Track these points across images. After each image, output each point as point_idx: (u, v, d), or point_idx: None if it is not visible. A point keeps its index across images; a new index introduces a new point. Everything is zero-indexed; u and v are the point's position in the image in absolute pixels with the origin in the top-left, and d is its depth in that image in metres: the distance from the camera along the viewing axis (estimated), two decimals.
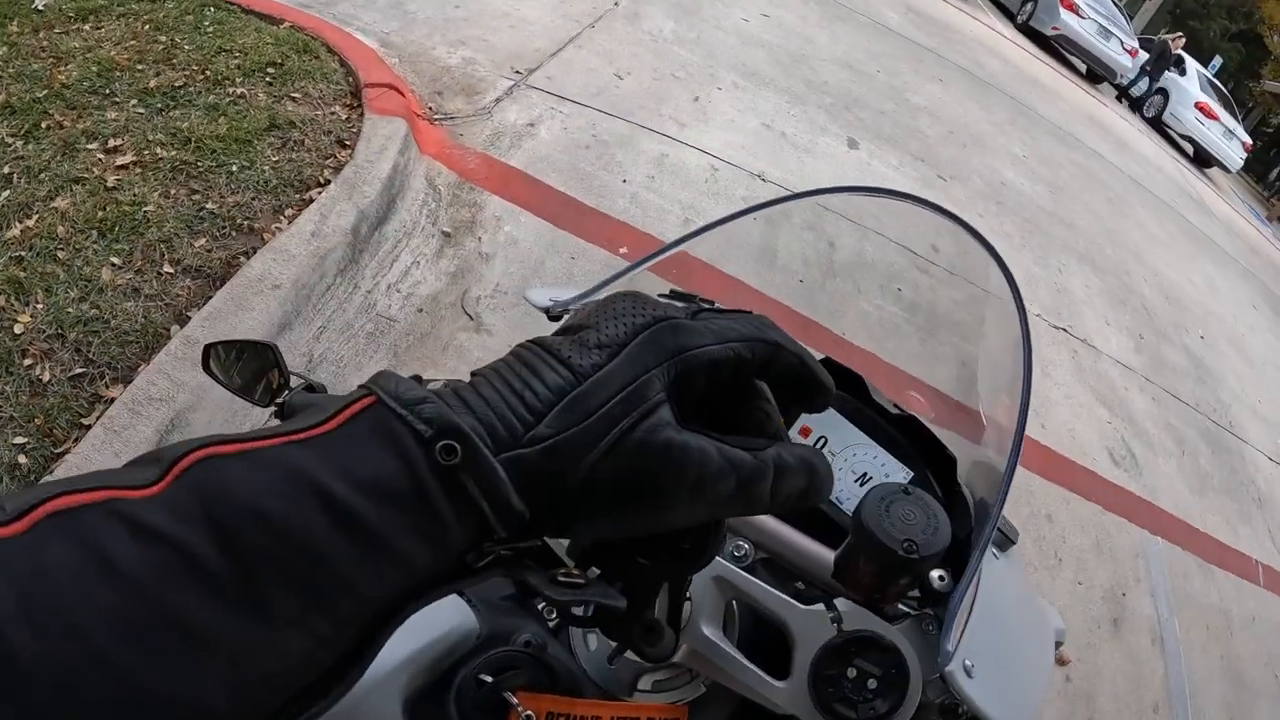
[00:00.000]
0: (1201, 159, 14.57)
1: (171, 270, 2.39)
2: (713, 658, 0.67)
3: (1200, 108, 13.94)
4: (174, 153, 2.79)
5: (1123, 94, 15.01)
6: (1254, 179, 23.72)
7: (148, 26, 3.69)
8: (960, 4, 11.68)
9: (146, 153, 2.75)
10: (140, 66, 3.42)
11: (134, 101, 3.14)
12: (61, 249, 2.33)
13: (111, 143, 2.82)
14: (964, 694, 0.61)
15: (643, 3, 5.94)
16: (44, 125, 2.83)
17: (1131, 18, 17.15)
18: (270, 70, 3.42)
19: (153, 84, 3.30)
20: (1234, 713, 3.33)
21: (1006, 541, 0.83)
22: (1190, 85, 14.39)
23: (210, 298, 2.35)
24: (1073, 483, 3.47)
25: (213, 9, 3.88)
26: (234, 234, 2.59)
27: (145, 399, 2.02)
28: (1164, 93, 14.56)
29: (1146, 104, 14.83)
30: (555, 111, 4.09)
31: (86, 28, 3.69)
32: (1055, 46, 13.62)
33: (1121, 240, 6.72)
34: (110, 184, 2.59)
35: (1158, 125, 14.56)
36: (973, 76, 8.11)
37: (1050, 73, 11.73)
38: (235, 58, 3.52)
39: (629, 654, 0.69)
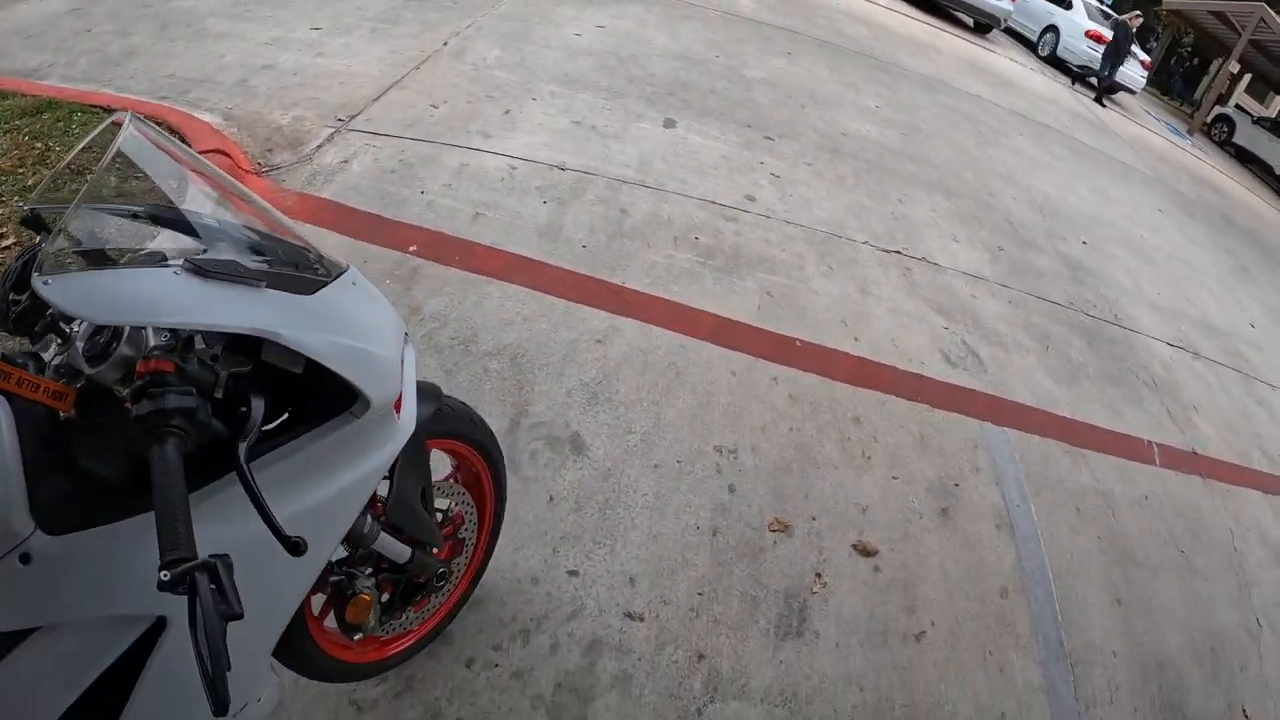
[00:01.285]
0: (1105, 86, 14.87)
1: None
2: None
3: (1092, 35, 14.27)
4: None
5: (1083, 80, 14.59)
6: (1175, 98, 24.22)
7: (28, 136, 4.42)
8: None
9: (23, 234, 3.26)
10: (20, 170, 4.19)
11: (16, 198, 3.80)
12: None
13: None
14: (36, 288, 0.99)
15: (471, 39, 6.19)
16: None
17: None
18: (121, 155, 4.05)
19: (30, 181, 4.04)
20: (1122, 590, 3.32)
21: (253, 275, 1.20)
22: (1078, 16, 14.78)
23: None
24: (891, 386, 3.52)
25: (80, 113, 4.54)
26: None
27: None
28: (1054, 29, 14.92)
29: (1040, 43, 15.19)
30: (369, 147, 4.36)
31: None
32: (941, 6, 14.02)
33: (988, 167, 6.86)
34: None
35: (1056, 62, 14.89)
36: (828, 45, 8.34)
37: (929, 30, 12.05)
38: (94, 151, 4.01)
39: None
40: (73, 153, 1.29)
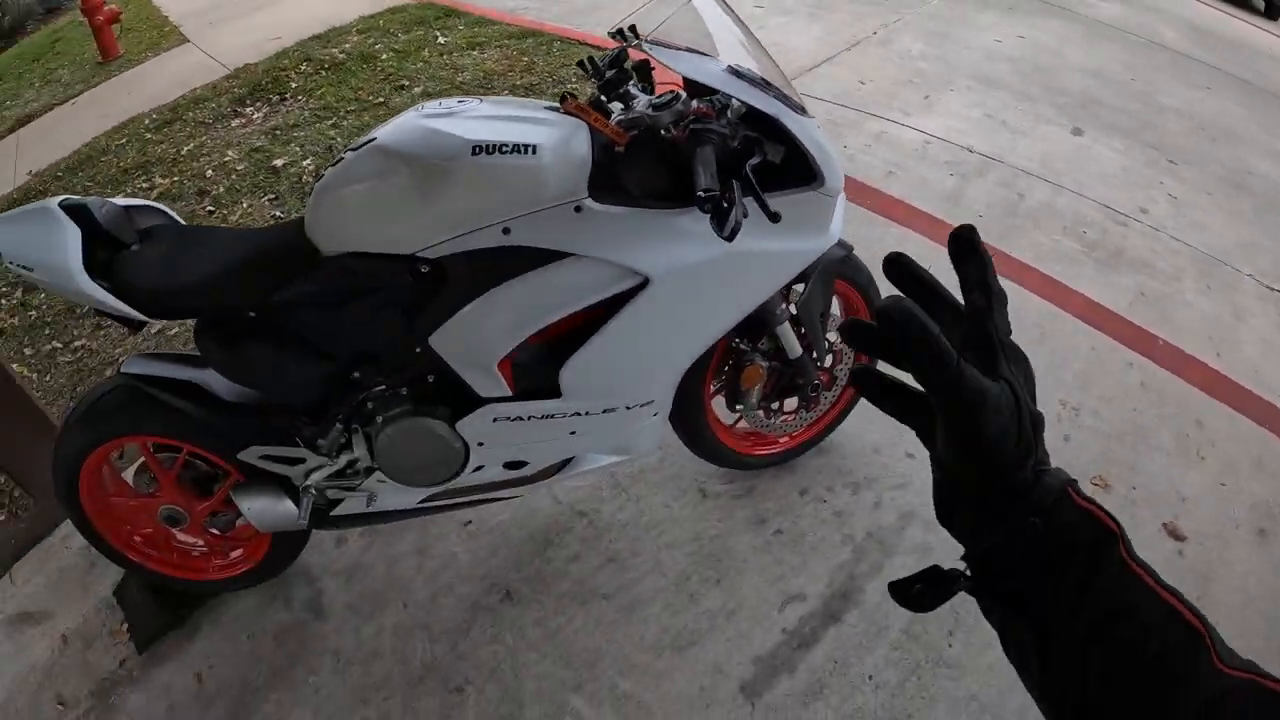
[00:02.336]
0: None
1: None
2: None
3: None
4: None
5: None
6: None
7: (515, 52, 5.18)
8: (1264, 24, 10.23)
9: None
10: (510, 74, 4.90)
11: (505, 91, 4.52)
12: None
13: None
14: (644, 47, 1.66)
15: (898, 31, 6.26)
16: None
17: None
18: None
19: (518, 82, 4.83)
20: None
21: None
22: None
23: None
24: (1242, 406, 3.20)
25: (559, 43, 5.37)
26: None
27: None
28: None
29: None
30: None
31: (474, 53, 5.21)
32: None
33: None
34: None
35: None
36: (1249, 85, 7.18)
37: None
38: (572, 69, 4.83)
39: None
40: None
